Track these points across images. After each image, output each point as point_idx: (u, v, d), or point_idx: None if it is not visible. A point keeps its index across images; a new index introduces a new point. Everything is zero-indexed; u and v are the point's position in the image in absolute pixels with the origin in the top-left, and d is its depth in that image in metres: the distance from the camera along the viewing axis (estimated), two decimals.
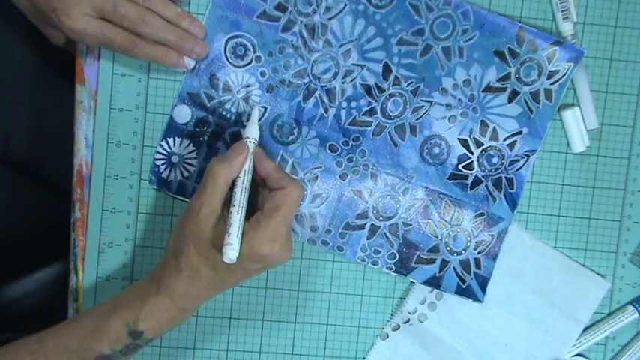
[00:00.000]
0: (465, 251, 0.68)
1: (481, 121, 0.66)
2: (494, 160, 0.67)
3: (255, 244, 0.55)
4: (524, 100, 0.66)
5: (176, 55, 0.62)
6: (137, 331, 0.56)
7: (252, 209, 0.57)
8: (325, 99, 0.66)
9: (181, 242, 0.56)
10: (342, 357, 0.69)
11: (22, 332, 0.58)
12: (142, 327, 0.56)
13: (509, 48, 0.65)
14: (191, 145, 0.65)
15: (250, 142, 0.59)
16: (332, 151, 0.66)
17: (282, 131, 0.66)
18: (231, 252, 0.53)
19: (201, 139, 0.65)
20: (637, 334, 0.71)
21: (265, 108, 0.65)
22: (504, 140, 0.67)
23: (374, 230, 0.67)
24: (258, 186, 0.60)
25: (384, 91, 0.66)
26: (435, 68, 0.66)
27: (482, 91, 0.66)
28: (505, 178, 0.67)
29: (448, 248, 0.68)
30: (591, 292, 0.69)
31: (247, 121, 0.62)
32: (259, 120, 0.65)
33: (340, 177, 0.67)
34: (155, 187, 0.66)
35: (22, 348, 0.56)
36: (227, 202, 0.57)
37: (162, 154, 0.65)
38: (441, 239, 0.68)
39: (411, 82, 0.66)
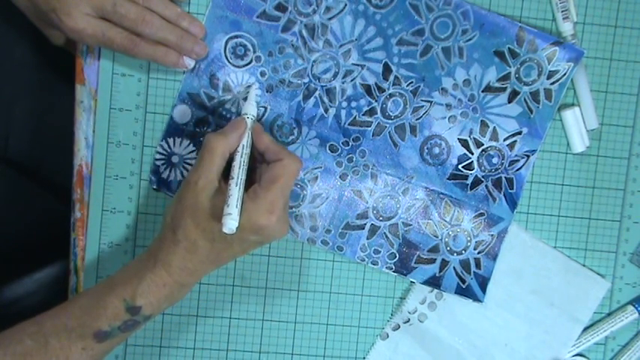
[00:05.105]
0: (465, 251, 0.68)
1: (481, 121, 0.66)
2: (494, 160, 0.67)
3: (252, 215, 0.55)
4: (524, 100, 0.66)
5: (176, 55, 0.62)
6: (135, 306, 0.56)
7: (251, 184, 0.58)
8: (325, 99, 0.66)
9: (179, 215, 0.56)
10: (342, 357, 0.69)
11: None
12: (140, 302, 0.56)
13: (509, 48, 0.65)
14: (191, 145, 0.65)
15: (248, 117, 0.60)
16: (332, 151, 0.66)
17: (282, 131, 0.66)
18: (231, 222, 0.53)
19: (201, 139, 0.65)
20: (637, 334, 0.71)
21: (265, 108, 0.65)
22: (504, 140, 0.67)
23: (374, 230, 0.67)
24: (257, 162, 0.60)
25: (384, 91, 0.66)
26: (434, 68, 0.66)
27: (482, 91, 0.66)
28: (505, 178, 0.67)
29: (448, 248, 0.68)
30: (591, 292, 0.69)
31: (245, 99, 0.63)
32: (260, 119, 0.65)
33: (340, 177, 0.67)
34: (155, 187, 0.66)
35: (21, 331, 0.56)
36: (225, 176, 0.57)
37: (162, 154, 0.65)
38: (441, 239, 0.68)
39: (411, 82, 0.66)
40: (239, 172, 0.56)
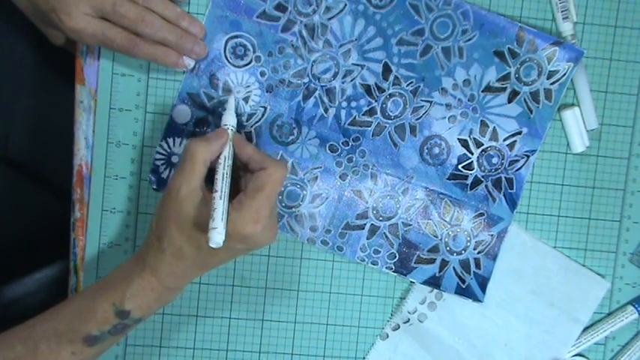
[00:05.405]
0: (465, 251, 0.68)
1: (481, 121, 0.66)
2: (494, 160, 0.67)
3: (238, 224, 0.55)
4: (524, 100, 0.66)
5: (176, 55, 0.62)
6: (124, 310, 0.56)
7: (237, 193, 0.57)
8: (325, 99, 0.66)
9: (163, 223, 0.56)
10: (342, 357, 0.69)
11: None
12: (129, 306, 0.56)
13: (509, 48, 0.65)
14: None
15: (229, 128, 0.59)
16: (332, 151, 0.66)
17: (282, 131, 0.66)
18: (218, 236, 0.53)
19: None
20: (637, 334, 0.71)
21: (265, 108, 0.65)
22: (504, 140, 0.67)
23: (374, 230, 0.67)
24: (241, 170, 0.60)
25: (384, 91, 0.66)
26: (434, 68, 0.66)
27: (482, 91, 0.66)
28: (505, 178, 0.67)
29: (448, 248, 0.68)
30: (591, 292, 0.69)
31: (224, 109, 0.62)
32: (260, 119, 0.65)
33: (340, 177, 0.67)
34: (155, 187, 0.66)
35: (12, 336, 0.57)
36: (208, 184, 0.57)
37: (162, 154, 0.65)
38: (440, 239, 0.68)
39: (411, 82, 0.66)
40: (222, 185, 0.56)
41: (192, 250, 0.56)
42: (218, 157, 0.58)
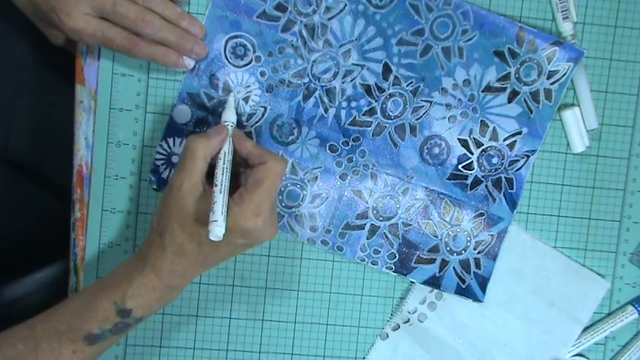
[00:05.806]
0: (465, 251, 0.68)
1: (481, 121, 0.66)
2: (494, 160, 0.67)
3: (238, 218, 0.55)
4: (524, 100, 0.66)
5: (176, 55, 0.62)
6: (125, 309, 0.56)
7: (237, 189, 0.58)
8: (325, 99, 0.66)
9: (164, 220, 0.56)
10: (342, 357, 0.69)
11: None
12: (130, 305, 0.56)
13: (509, 48, 0.65)
14: None
15: (229, 125, 0.60)
16: (332, 151, 0.66)
17: (282, 131, 0.66)
18: (217, 229, 0.53)
19: None
20: (637, 334, 0.71)
21: (265, 108, 0.65)
22: (504, 140, 0.67)
23: (374, 230, 0.67)
24: (241, 166, 0.60)
25: (384, 91, 0.66)
26: (434, 68, 0.66)
27: (482, 91, 0.66)
28: (505, 178, 0.67)
29: (448, 248, 0.68)
30: (591, 292, 0.69)
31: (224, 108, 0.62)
32: (260, 119, 0.65)
33: (340, 177, 0.67)
34: (155, 187, 0.66)
35: (13, 335, 0.57)
36: (210, 180, 0.57)
37: (162, 154, 0.65)
38: (440, 239, 0.68)
39: (411, 82, 0.66)
40: (222, 179, 0.56)
41: (194, 246, 0.56)
42: (218, 153, 0.58)
